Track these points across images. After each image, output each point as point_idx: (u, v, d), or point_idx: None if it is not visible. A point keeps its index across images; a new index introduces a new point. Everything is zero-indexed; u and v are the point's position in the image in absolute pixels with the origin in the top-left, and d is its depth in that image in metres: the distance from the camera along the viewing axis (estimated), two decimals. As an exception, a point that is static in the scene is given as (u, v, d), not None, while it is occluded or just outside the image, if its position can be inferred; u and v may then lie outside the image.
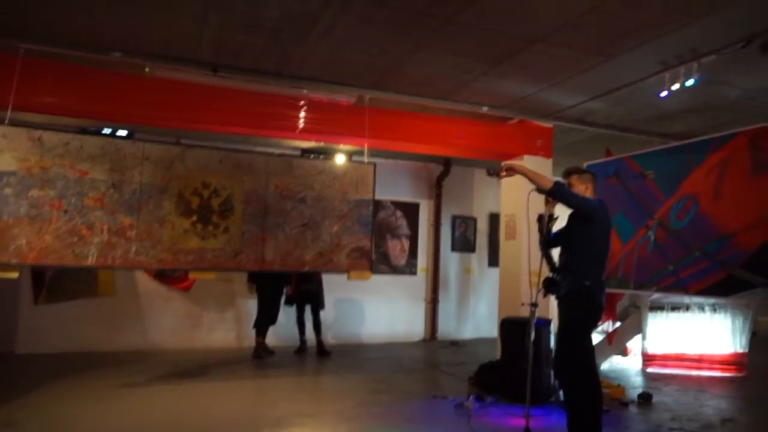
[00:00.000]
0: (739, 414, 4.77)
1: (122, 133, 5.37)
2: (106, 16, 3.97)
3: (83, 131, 4.85)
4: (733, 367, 6.29)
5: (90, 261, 4.52)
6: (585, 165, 6.22)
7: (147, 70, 4.76)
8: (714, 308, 6.37)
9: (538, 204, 3.88)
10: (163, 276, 7.07)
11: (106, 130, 5.26)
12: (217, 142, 6.40)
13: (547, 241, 3.81)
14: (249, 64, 4.79)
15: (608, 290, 5.85)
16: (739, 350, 6.35)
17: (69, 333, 6.57)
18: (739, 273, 4.50)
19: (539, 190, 3.60)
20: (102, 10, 3.89)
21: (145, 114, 5.00)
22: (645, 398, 4.94)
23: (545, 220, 3.81)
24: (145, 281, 7.06)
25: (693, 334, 6.40)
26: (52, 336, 6.48)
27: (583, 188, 3.72)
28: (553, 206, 3.79)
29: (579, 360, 3.49)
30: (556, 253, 3.84)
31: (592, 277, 3.52)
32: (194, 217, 4.92)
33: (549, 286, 3.67)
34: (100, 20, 4.03)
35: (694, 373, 6.26)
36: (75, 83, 4.75)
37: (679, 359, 6.44)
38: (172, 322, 7.17)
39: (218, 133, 5.96)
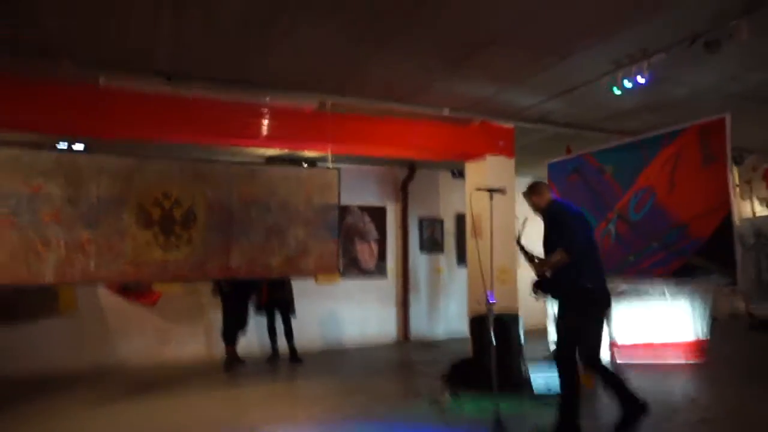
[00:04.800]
0: (700, 395, 4.93)
1: (79, 147, 5.25)
2: (52, 23, 3.83)
3: (37, 147, 4.71)
4: (695, 353, 6.50)
5: (47, 278, 4.40)
6: (546, 163, 6.36)
7: (101, 80, 4.65)
8: (676, 296, 6.57)
9: (482, 201, 4.15)
10: (126, 291, 6.90)
11: (62, 145, 5.13)
12: (180, 152, 6.29)
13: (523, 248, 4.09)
14: (207, 73, 4.73)
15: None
16: (701, 337, 6.56)
17: (32, 354, 6.35)
18: (695, 260, 4.67)
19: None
20: (48, 18, 3.75)
21: (101, 127, 4.87)
22: (612, 387, 5.05)
23: (521, 233, 4.08)
24: (109, 297, 6.87)
25: (657, 323, 6.59)
26: (14, 358, 6.24)
27: (544, 199, 3.94)
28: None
29: (570, 352, 3.67)
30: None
31: (583, 274, 3.64)
32: (156, 229, 4.85)
33: (537, 289, 3.86)
34: (47, 28, 3.89)
35: (660, 360, 6.43)
36: (25, 96, 4.57)
37: (645, 348, 6.61)
38: (140, 337, 7.01)
39: (180, 143, 5.86)
